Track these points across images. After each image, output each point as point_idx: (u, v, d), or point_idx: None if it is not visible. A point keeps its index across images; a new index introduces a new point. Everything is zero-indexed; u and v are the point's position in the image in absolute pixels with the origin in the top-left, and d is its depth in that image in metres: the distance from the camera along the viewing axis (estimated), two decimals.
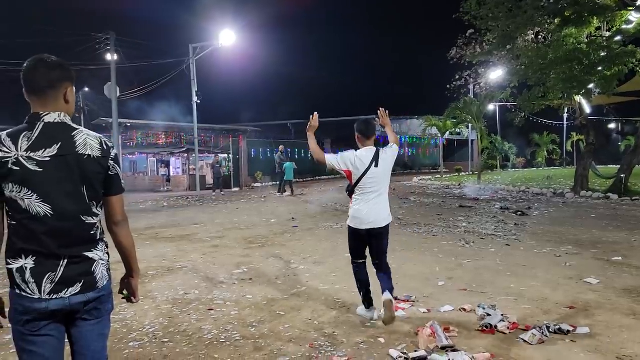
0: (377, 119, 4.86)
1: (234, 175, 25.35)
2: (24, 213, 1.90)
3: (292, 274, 6.16)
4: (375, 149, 4.35)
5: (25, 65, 1.98)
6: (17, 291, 1.92)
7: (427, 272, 6.16)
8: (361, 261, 4.46)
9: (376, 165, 4.25)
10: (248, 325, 4.29)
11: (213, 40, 23.18)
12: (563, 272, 5.99)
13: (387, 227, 4.30)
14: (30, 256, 1.92)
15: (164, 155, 28.31)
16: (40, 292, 1.92)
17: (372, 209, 4.23)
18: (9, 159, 1.86)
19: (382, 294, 4.16)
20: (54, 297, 1.94)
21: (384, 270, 4.31)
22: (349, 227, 4.39)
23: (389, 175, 4.38)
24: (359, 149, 4.38)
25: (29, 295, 1.92)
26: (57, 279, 1.95)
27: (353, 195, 4.34)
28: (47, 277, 1.92)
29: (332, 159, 4.37)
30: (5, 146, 1.87)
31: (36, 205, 1.90)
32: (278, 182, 20.58)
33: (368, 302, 4.45)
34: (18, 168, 1.86)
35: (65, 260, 1.96)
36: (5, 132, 1.92)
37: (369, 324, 4.24)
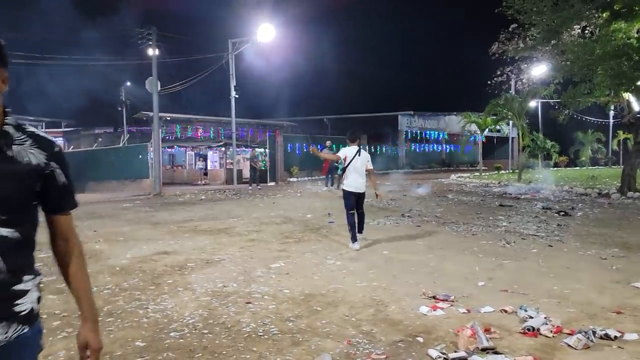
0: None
1: (270, 170, 25.54)
2: None
3: (329, 270, 6.17)
4: (357, 147, 7.63)
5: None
6: None
7: (466, 271, 6.05)
8: (352, 211, 7.45)
9: (359, 156, 7.52)
10: (285, 319, 4.32)
11: (251, 35, 23.39)
12: (609, 276, 5.78)
13: (364, 192, 7.62)
14: None
15: (201, 149, 28.85)
16: None
17: (357, 181, 7.48)
18: None
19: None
20: None
21: (362, 217, 7.74)
22: (344, 191, 7.57)
23: (364, 164, 7.56)
24: (348, 146, 7.74)
25: None
26: None
27: (345, 173, 7.59)
28: None
29: (339, 153, 7.83)
30: None
31: None
32: (325, 177, 20.73)
33: (354, 239, 7.41)
34: None
35: None
36: None
37: (407, 322, 4.21)
